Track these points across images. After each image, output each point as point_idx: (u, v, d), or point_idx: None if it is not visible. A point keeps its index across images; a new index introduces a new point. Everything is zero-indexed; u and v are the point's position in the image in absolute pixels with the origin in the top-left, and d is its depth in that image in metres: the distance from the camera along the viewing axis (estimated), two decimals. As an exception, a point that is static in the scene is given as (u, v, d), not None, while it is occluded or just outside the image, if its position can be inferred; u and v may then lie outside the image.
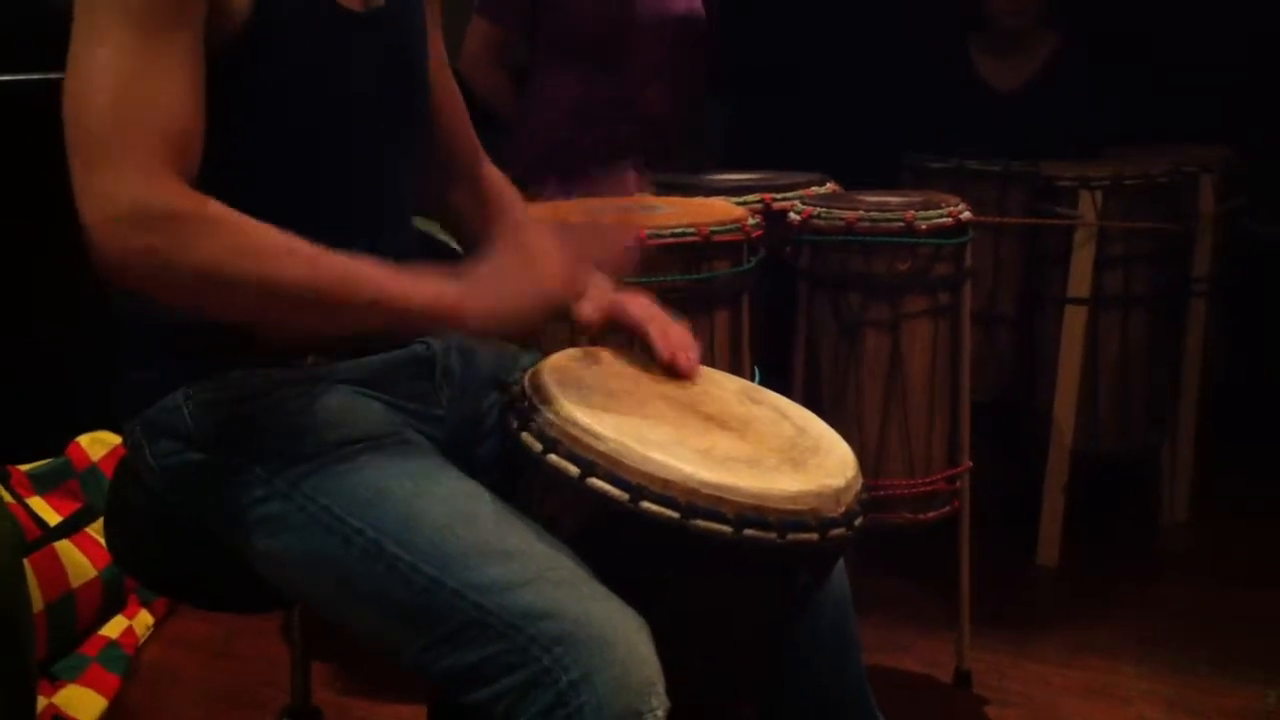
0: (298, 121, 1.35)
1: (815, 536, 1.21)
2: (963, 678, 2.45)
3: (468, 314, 1.26)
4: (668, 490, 1.18)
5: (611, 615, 1.17)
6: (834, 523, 1.23)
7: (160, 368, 1.38)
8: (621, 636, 1.15)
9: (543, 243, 1.37)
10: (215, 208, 1.20)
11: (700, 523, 1.17)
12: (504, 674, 1.16)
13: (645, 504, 1.18)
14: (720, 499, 1.18)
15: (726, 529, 1.18)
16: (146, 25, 1.20)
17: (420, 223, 1.61)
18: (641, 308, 1.48)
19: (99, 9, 1.21)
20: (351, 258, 1.23)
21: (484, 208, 1.65)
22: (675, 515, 1.17)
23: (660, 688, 1.15)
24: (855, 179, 2.46)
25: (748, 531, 1.18)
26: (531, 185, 2.58)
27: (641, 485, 1.18)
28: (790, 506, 1.20)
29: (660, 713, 1.14)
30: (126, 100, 1.19)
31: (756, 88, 4.07)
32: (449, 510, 1.25)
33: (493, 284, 1.28)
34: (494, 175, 1.68)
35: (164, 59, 1.21)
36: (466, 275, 1.28)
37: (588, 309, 1.45)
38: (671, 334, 1.45)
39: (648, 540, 1.20)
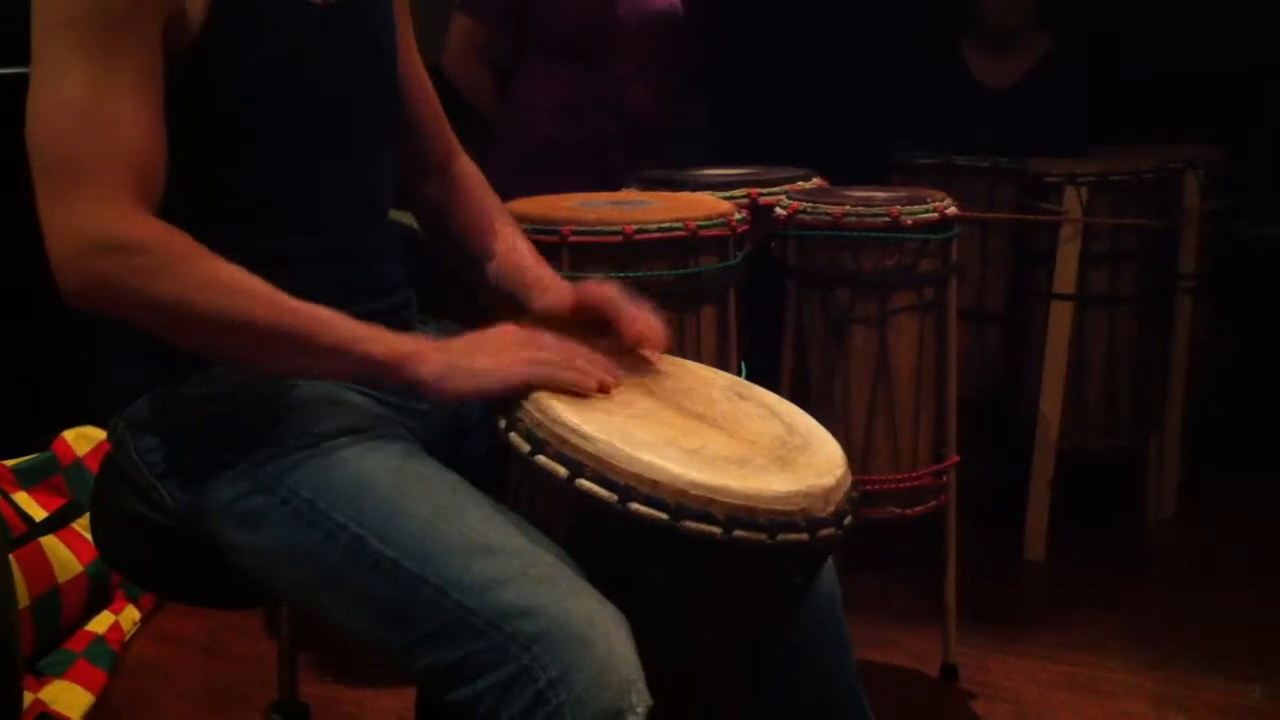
0: (265, 120, 1.34)
1: (805, 537, 1.20)
2: (949, 672, 2.45)
3: (425, 368, 1.27)
4: (657, 491, 1.17)
5: (591, 612, 1.16)
6: (824, 522, 1.22)
7: (142, 365, 1.38)
8: (600, 634, 1.15)
9: (513, 332, 1.35)
10: (180, 240, 1.22)
11: (690, 524, 1.17)
12: (485, 672, 1.15)
13: (634, 505, 1.17)
14: (710, 500, 1.17)
15: (716, 530, 1.17)
16: (103, 48, 1.20)
17: (393, 214, 1.60)
18: (603, 291, 1.46)
19: (54, 32, 1.21)
20: (312, 304, 1.25)
21: (457, 203, 1.65)
22: (664, 517, 1.17)
23: (641, 685, 1.14)
24: (845, 175, 2.46)
25: (737, 533, 1.17)
26: (517, 183, 2.57)
27: (630, 486, 1.18)
28: (780, 507, 1.19)
29: (641, 709, 1.13)
30: (87, 129, 1.20)
31: (746, 84, 4.06)
32: (431, 505, 1.24)
33: (455, 350, 1.29)
34: (469, 171, 1.68)
35: (123, 85, 1.21)
36: (432, 340, 1.31)
37: (547, 302, 1.49)
38: (638, 315, 1.43)
39: (637, 541, 1.19)
